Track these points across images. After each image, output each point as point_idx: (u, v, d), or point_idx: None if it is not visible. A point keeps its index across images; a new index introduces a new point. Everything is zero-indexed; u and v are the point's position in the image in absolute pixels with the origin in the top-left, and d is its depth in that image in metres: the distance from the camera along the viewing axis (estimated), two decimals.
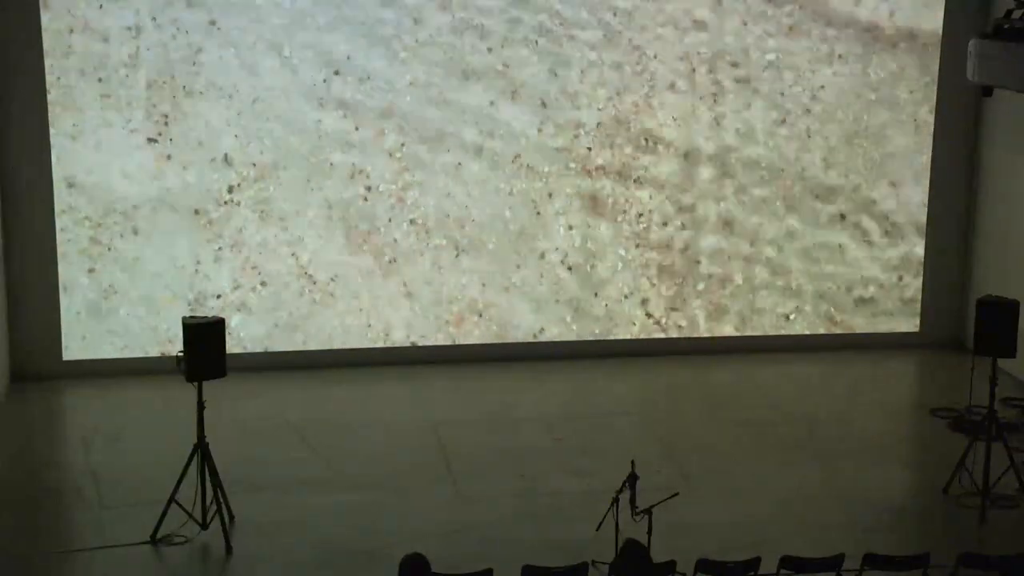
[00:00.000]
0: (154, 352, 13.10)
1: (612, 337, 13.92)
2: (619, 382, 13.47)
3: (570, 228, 13.71)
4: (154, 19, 12.66)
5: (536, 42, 13.30)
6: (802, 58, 13.76)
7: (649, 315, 13.97)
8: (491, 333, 13.74)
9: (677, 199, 13.83)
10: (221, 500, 9.69)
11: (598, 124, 13.56)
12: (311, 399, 12.73)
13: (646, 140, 13.67)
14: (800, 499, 10.50)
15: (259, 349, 13.33)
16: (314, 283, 13.38)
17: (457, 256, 13.56)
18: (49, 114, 12.66)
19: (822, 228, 14.10)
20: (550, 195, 13.62)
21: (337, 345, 13.50)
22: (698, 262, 13.96)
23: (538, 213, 13.62)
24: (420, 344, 13.64)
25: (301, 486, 10.63)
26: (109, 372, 12.99)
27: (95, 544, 9.58)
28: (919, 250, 14.31)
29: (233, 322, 13.02)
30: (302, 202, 13.23)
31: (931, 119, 14.06)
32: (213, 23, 12.78)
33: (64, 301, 12.97)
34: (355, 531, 9.82)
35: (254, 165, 13.09)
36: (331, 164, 13.20)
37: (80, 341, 13.07)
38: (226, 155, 13.02)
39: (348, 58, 13.05)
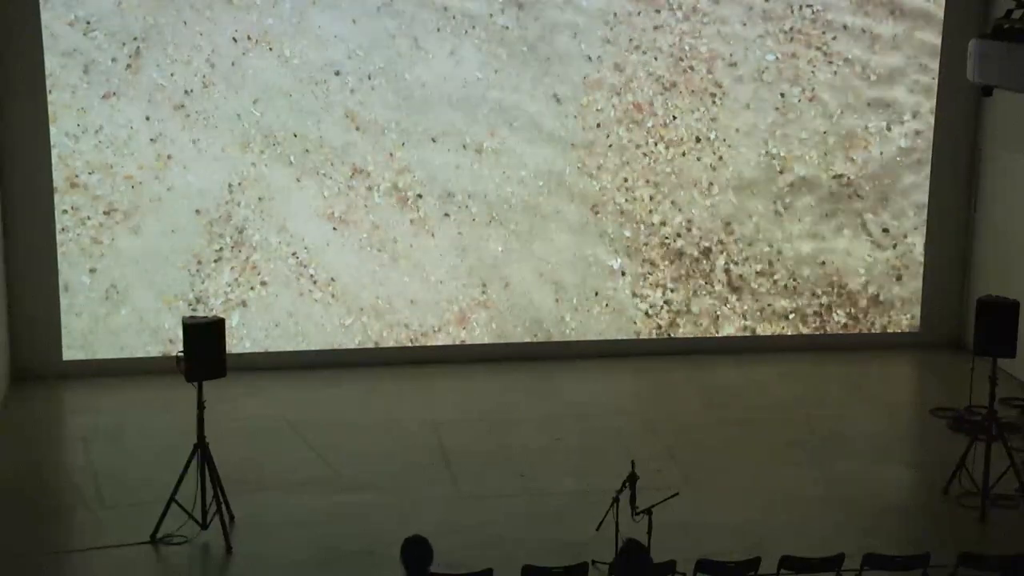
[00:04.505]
0: (154, 352, 13.11)
1: (612, 337, 13.92)
2: (619, 382, 13.48)
3: (568, 227, 13.70)
4: (155, 19, 12.68)
5: (536, 42, 13.32)
6: (802, 58, 13.75)
7: (649, 315, 13.97)
8: (491, 333, 13.74)
9: (677, 199, 13.83)
10: (221, 500, 9.69)
11: (598, 124, 13.56)
12: (311, 399, 12.73)
13: (646, 139, 13.67)
14: (800, 499, 10.50)
15: (259, 349, 13.33)
16: (314, 283, 13.38)
17: (458, 256, 13.56)
18: (50, 113, 12.67)
19: (822, 227, 14.10)
20: (549, 194, 13.62)
21: (337, 345, 13.50)
22: (697, 261, 13.97)
23: (537, 213, 13.63)
24: (420, 344, 13.63)
25: (301, 486, 10.64)
26: (109, 372, 12.99)
27: (95, 544, 9.59)
28: (919, 250, 14.31)
29: (233, 322, 13.02)
30: (302, 201, 13.23)
31: (931, 119, 14.06)
32: (212, 20, 12.79)
33: (64, 301, 12.97)
34: (355, 531, 9.82)
35: (254, 165, 13.09)
36: (331, 163, 13.21)
37: (80, 341, 13.07)
38: (226, 154, 13.02)
39: (349, 58, 13.06)
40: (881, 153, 14.07)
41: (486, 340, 13.74)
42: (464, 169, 13.45)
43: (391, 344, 13.59)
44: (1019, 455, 10.75)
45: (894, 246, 14.28)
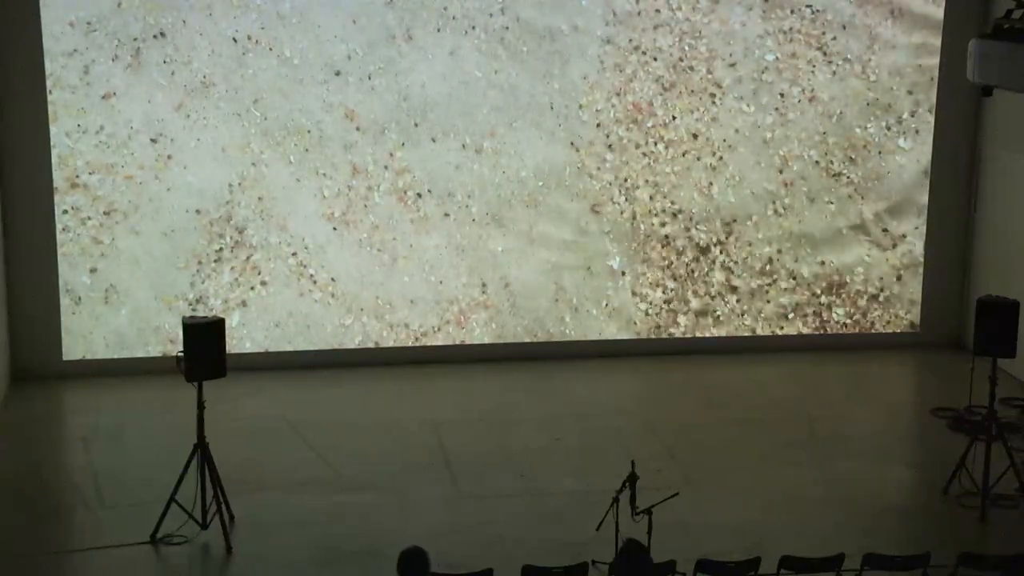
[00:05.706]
0: (154, 352, 13.11)
1: (612, 337, 13.91)
2: (619, 382, 13.47)
3: (568, 227, 13.70)
4: (155, 19, 12.68)
5: (536, 42, 13.32)
6: (802, 58, 13.75)
7: (649, 315, 13.97)
8: (491, 333, 13.74)
9: (676, 198, 13.83)
10: (221, 500, 9.69)
11: (598, 124, 13.56)
12: (311, 399, 12.72)
13: (646, 139, 13.67)
14: (800, 499, 10.50)
15: (259, 349, 13.33)
16: (314, 283, 13.38)
17: (458, 256, 13.56)
18: (50, 113, 12.66)
19: (821, 227, 14.10)
20: (549, 194, 13.62)
21: (337, 345, 13.50)
22: (697, 260, 13.96)
23: (537, 213, 13.62)
24: (420, 344, 13.63)
25: (301, 486, 10.64)
26: (109, 372, 12.99)
27: (95, 544, 9.59)
28: (919, 250, 14.31)
29: (233, 322, 13.02)
30: (302, 202, 13.23)
31: (931, 119, 14.06)
32: (212, 20, 12.78)
33: (64, 301, 12.97)
34: (355, 531, 9.82)
35: (254, 165, 13.09)
36: (332, 163, 13.21)
37: (80, 341, 13.07)
38: (226, 154, 13.01)
39: (349, 58, 13.05)
40: (880, 153, 14.07)
41: (486, 340, 13.74)
42: (464, 169, 13.45)
43: (391, 344, 13.59)
44: (1019, 455, 10.74)
45: (894, 246, 14.27)
